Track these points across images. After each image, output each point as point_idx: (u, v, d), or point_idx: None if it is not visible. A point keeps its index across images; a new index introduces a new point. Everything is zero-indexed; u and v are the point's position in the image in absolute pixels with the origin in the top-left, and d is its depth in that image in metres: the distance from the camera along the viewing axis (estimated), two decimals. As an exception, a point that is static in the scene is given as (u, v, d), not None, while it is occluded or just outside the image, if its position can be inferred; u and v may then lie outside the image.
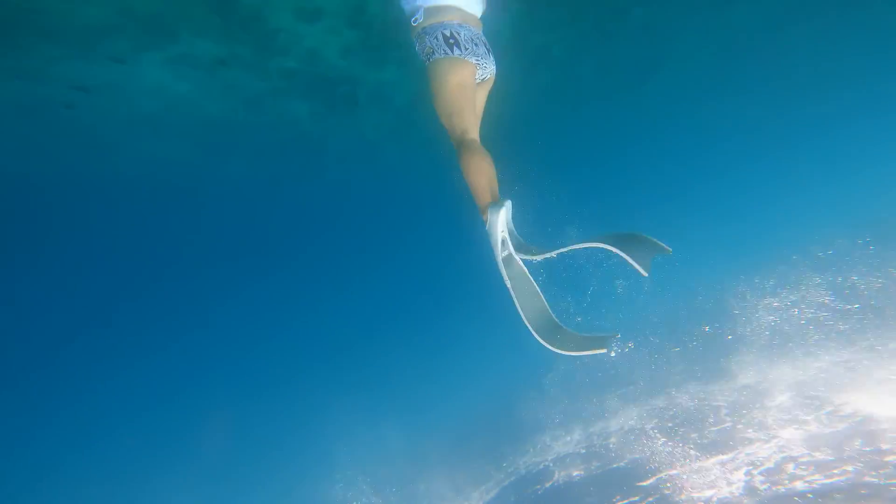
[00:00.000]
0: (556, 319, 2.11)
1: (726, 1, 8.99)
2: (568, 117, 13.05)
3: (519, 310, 2.08)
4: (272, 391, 18.79)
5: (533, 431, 9.38)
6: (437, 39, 2.29)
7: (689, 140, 20.00)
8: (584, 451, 7.98)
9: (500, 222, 2.13)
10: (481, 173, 2.18)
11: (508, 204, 2.36)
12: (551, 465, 7.98)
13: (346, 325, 23.71)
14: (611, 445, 7.74)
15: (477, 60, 2.36)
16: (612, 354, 2.11)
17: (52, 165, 9.90)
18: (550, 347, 1.96)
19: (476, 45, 2.37)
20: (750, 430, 6.64)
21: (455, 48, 2.28)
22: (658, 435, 7.41)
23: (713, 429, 7.04)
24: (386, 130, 10.70)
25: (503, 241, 2.15)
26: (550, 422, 9.43)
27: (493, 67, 2.56)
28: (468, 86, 2.31)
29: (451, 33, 2.30)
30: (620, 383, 9.36)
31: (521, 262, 2.17)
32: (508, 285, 2.11)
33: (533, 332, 2.02)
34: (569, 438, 8.67)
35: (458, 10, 2.38)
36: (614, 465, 7.17)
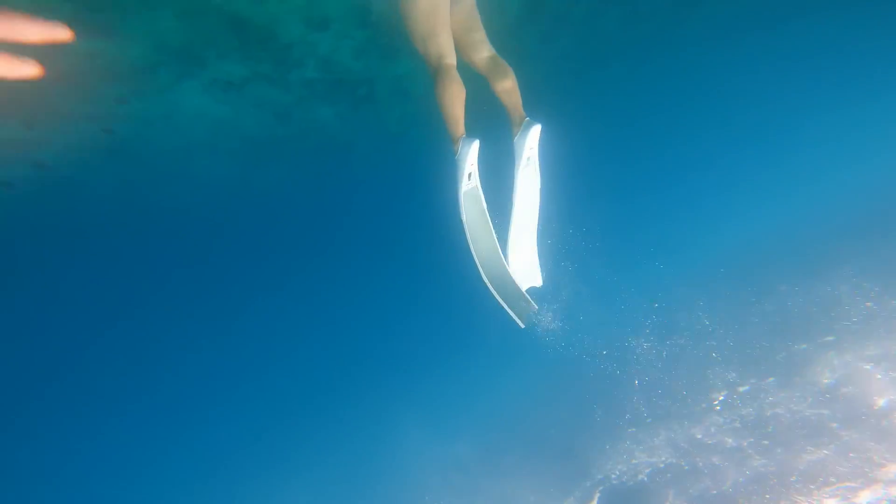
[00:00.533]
0: (507, 264, 2.21)
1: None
2: (595, 79, 12.58)
3: (470, 244, 2.19)
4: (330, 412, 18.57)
5: (612, 435, 8.71)
6: None
7: (740, 90, 18.16)
8: (684, 464, 7.13)
9: (471, 155, 2.15)
10: (457, 102, 2.11)
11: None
12: (646, 479, 7.28)
13: (395, 328, 23.67)
14: (715, 462, 6.84)
15: None
16: (522, 326, 2.13)
17: (117, 198, 11.34)
18: (491, 289, 2.11)
19: None
20: (869, 456, 5.48)
21: None
22: (757, 455, 6.48)
23: (822, 450, 5.85)
24: (408, 122, 11.05)
25: (470, 175, 2.19)
26: (634, 423, 8.65)
27: None
28: (440, 3, 2.15)
29: None
30: (710, 387, 8.34)
31: (482, 200, 2.23)
32: (464, 219, 2.17)
33: (479, 269, 2.18)
34: (653, 443, 7.92)
35: None
36: (713, 491, 6.33)
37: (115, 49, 6.47)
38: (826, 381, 7.16)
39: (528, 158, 2.32)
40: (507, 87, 2.38)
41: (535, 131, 2.29)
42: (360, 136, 11.27)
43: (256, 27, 6.30)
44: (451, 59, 2.15)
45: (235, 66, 7.15)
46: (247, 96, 8.26)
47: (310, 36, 7.00)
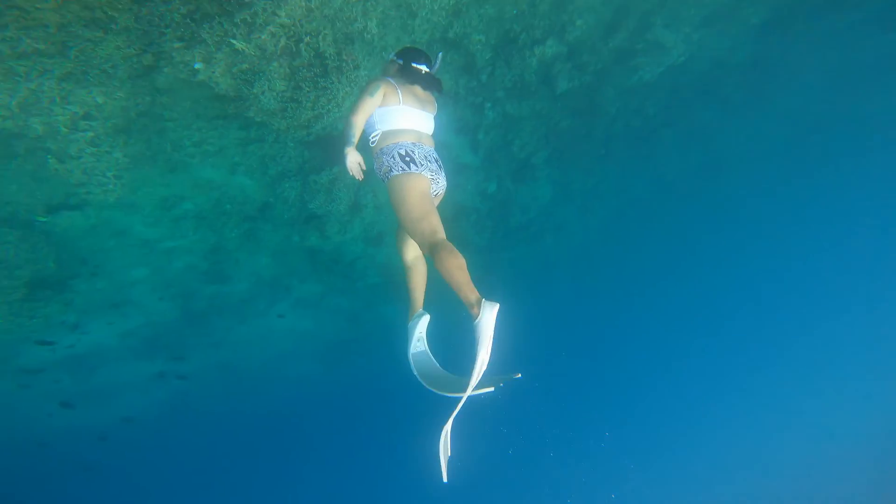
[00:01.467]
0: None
1: (759, 97, 8.33)
2: (636, 236, 13.14)
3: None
4: None
5: None
6: (394, 158, 2.46)
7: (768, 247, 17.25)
8: None
9: (495, 315, 2.16)
10: (462, 269, 2.24)
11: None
12: None
13: None
14: None
15: (431, 175, 2.53)
16: (445, 480, 2.20)
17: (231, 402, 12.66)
18: (442, 433, 2.22)
19: (430, 161, 2.55)
20: None
21: (412, 164, 2.46)
22: None
23: None
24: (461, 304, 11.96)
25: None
26: None
27: (445, 183, 2.70)
28: (428, 194, 2.48)
29: (407, 152, 2.48)
30: None
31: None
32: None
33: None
34: None
35: (414, 131, 2.57)
36: None
37: (228, 289, 8.44)
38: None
39: (419, 340, 2.75)
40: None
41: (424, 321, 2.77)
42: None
43: (327, 254, 8.00)
44: (443, 235, 2.38)
45: (313, 285, 8.80)
46: (324, 308, 9.79)
47: (369, 250, 8.63)
